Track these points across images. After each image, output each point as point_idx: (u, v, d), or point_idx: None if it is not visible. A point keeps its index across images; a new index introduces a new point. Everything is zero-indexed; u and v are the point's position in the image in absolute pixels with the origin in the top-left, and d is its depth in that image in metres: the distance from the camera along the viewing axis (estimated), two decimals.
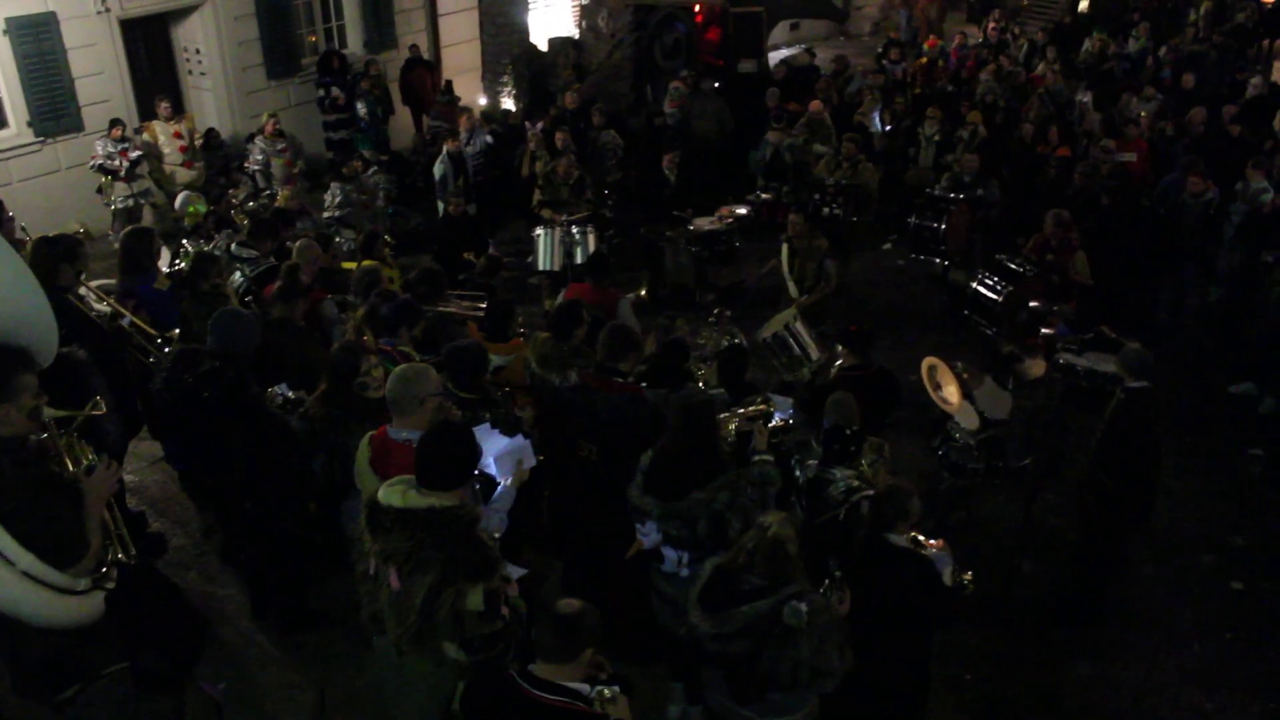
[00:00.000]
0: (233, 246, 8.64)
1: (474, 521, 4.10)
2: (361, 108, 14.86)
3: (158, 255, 8.09)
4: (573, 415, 6.00)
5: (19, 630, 4.00)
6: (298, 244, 8.16)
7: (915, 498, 5.13)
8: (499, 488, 4.85)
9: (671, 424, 5.49)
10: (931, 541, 5.30)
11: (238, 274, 8.32)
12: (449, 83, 15.86)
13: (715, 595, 4.56)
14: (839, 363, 7.65)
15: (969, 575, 5.29)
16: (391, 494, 4.10)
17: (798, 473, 6.07)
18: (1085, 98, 14.97)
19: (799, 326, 8.72)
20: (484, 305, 7.68)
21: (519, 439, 5.09)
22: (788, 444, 6.30)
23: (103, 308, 6.92)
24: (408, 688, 4.17)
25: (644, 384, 6.24)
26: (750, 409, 6.06)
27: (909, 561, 5.02)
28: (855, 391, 6.44)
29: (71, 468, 4.17)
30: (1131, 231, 10.80)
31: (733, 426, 5.83)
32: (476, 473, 4.56)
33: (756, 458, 5.50)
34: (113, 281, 7.69)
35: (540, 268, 11.01)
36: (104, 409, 4.44)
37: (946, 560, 5.22)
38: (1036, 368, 8.21)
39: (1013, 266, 9.79)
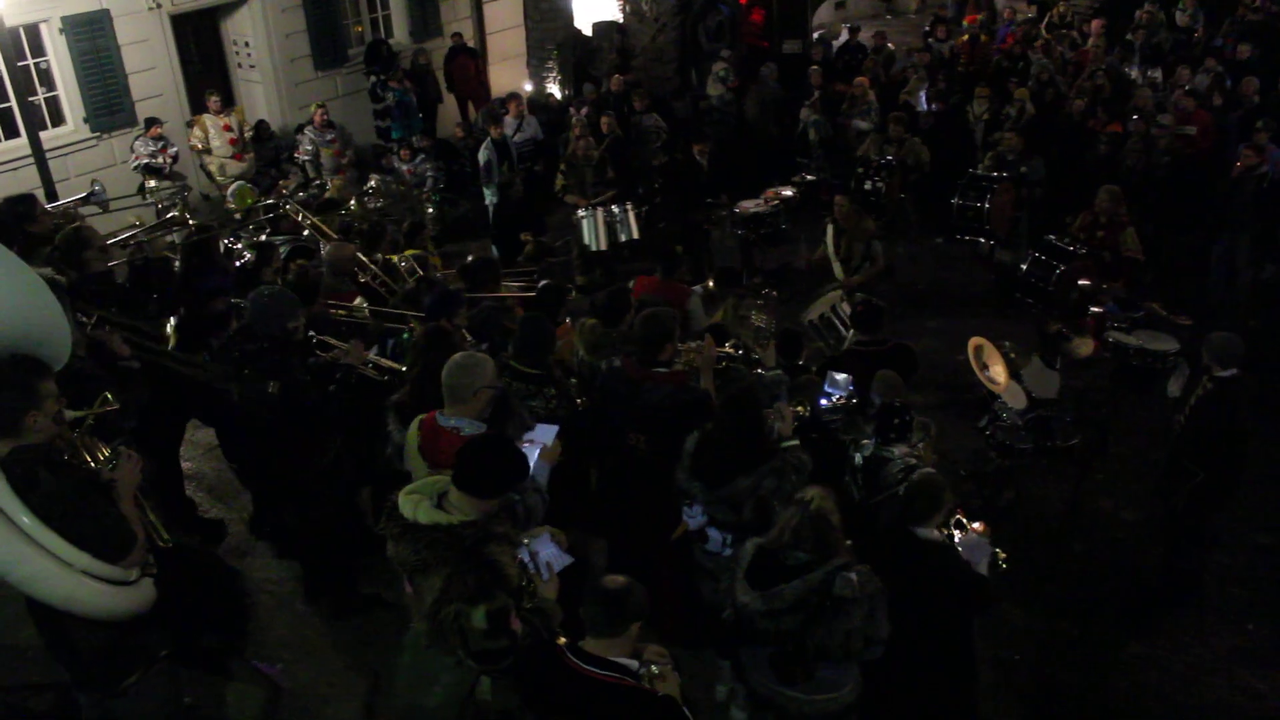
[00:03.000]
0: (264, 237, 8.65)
1: (483, 540, 4.03)
2: (391, 97, 14.97)
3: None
4: (616, 403, 5.99)
5: (76, 626, 4.13)
6: (328, 248, 7.94)
7: (947, 489, 5.10)
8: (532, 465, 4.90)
9: (718, 410, 5.54)
10: (974, 525, 5.28)
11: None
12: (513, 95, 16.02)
13: (762, 573, 4.60)
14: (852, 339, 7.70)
15: (1003, 555, 5.26)
16: (406, 503, 4.09)
17: (852, 452, 6.07)
18: (1137, 72, 14.73)
19: (845, 308, 8.70)
20: (533, 288, 7.72)
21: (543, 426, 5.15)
22: (840, 424, 6.33)
23: None
24: (430, 675, 4.20)
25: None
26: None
27: (934, 554, 4.97)
28: (867, 367, 6.50)
29: (94, 464, 4.27)
30: (1187, 205, 10.66)
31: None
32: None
33: (785, 444, 5.48)
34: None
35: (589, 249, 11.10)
36: (116, 405, 4.54)
37: (986, 547, 5.17)
38: (1085, 347, 8.13)
39: (1063, 245, 9.70)
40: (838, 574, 4.43)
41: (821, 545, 4.52)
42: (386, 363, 6.45)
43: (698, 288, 8.32)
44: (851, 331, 8.44)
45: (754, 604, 4.53)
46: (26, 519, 3.83)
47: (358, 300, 7.40)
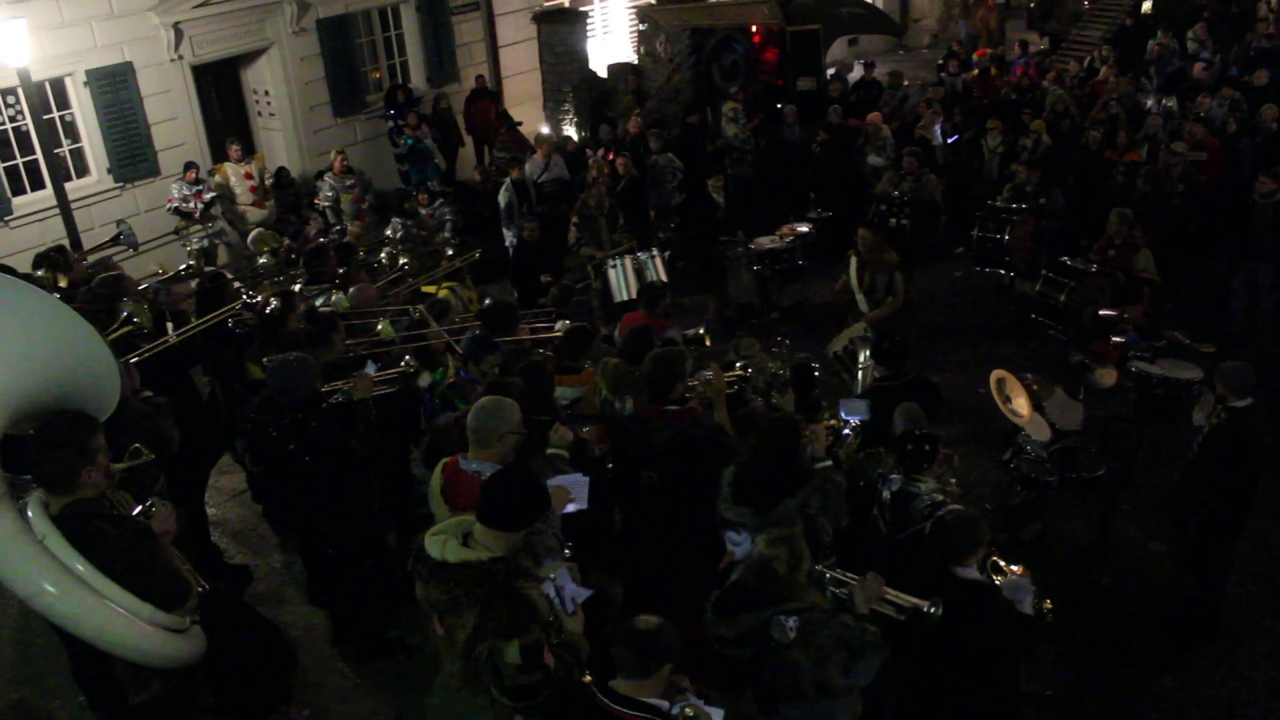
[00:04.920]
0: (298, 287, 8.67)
1: (513, 575, 4.05)
2: (403, 144, 15.10)
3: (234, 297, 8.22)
4: (631, 444, 6.09)
5: (127, 681, 4.15)
6: (352, 291, 8.04)
7: (983, 522, 5.04)
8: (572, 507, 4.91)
9: (760, 436, 5.58)
10: (1013, 568, 5.20)
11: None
12: (504, 111, 16.12)
13: (728, 602, 4.69)
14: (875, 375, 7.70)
15: (1049, 604, 5.15)
16: (433, 543, 4.11)
17: (881, 487, 6.06)
18: (1152, 101, 14.75)
19: (870, 335, 8.73)
20: (554, 331, 7.78)
21: (576, 476, 5.16)
22: (858, 457, 6.33)
23: None
24: (468, 715, 4.19)
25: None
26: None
27: (978, 595, 4.86)
28: (888, 402, 6.53)
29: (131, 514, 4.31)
30: (1201, 232, 10.63)
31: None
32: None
33: (818, 465, 5.52)
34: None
35: (618, 299, 11.15)
36: (150, 456, 4.57)
37: (1027, 587, 5.03)
38: (1108, 377, 8.08)
39: (1074, 265, 9.81)
40: (775, 618, 4.44)
41: (762, 588, 4.59)
42: (393, 372, 6.46)
43: (689, 331, 8.31)
44: (870, 365, 8.46)
45: (713, 628, 4.67)
46: (82, 567, 3.86)
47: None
